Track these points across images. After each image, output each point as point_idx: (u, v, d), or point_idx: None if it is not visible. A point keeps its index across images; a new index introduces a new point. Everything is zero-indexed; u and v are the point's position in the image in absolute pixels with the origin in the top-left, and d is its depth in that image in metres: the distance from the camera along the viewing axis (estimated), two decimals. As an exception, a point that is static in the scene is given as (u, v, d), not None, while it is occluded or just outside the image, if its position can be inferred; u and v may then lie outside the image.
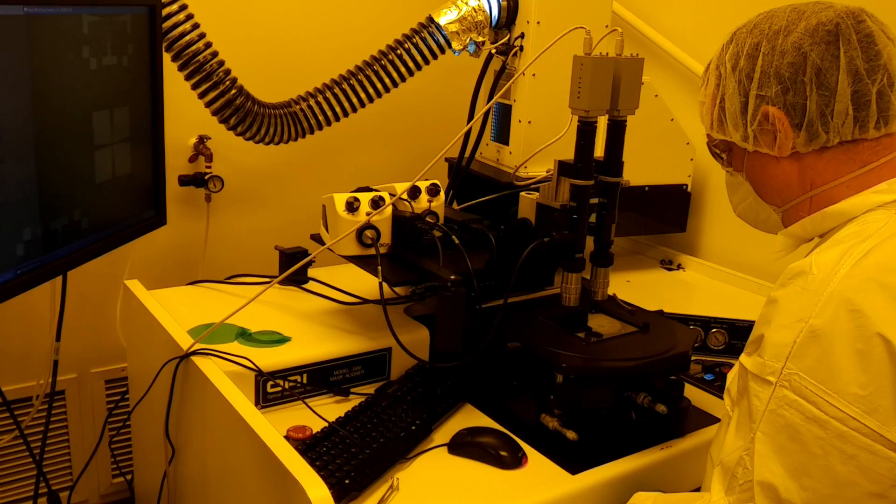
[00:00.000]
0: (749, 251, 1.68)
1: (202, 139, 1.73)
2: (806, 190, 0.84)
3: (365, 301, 1.34)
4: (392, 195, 1.23)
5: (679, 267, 1.74)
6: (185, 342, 1.12)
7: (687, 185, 1.70)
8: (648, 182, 1.66)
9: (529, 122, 1.46)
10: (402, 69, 1.47)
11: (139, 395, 1.37)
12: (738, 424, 0.78)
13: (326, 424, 1.04)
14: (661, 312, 1.25)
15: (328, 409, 1.11)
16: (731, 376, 0.87)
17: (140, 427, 1.41)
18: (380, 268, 1.12)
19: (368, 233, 1.17)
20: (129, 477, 1.58)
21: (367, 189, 1.25)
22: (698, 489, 1.09)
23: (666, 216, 1.71)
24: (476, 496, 0.94)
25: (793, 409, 0.71)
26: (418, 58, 1.47)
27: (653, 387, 1.10)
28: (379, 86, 1.48)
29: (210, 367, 1.04)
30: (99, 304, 1.71)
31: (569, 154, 1.16)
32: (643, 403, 1.07)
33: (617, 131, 1.17)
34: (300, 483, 0.77)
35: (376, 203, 1.18)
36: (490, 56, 1.49)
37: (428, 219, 1.23)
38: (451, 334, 1.07)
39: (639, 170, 1.59)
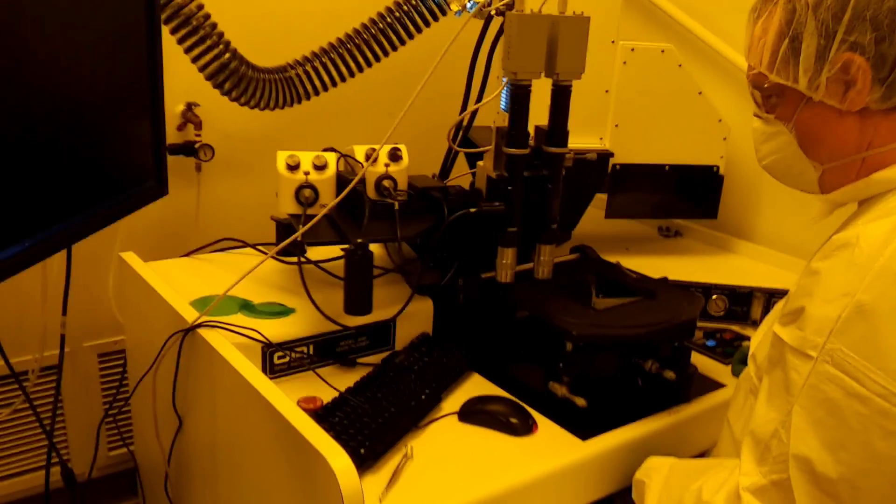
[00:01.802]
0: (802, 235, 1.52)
1: (190, 106, 1.68)
2: (861, 150, 0.79)
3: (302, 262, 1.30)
4: (346, 157, 1.22)
5: (677, 234, 1.74)
6: (188, 315, 1.10)
7: (718, 167, 1.52)
8: (671, 161, 1.50)
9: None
10: (402, 32, 1.44)
11: (139, 369, 1.35)
12: (770, 395, 0.77)
13: (336, 395, 1.04)
14: (665, 280, 1.26)
15: (334, 380, 1.10)
16: (756, 343, 0.87)
17: (140, 400, 1.39)
18: (301, 227, 1.12)
19: (306, 192, 1.17)
20: (132, 447, 1.57)
21: (331, 150, 1.25)
22: (703, 453, 1.11)
23: (694, 200, 1.55)
24: (489, 463, 0.94)
25: (833, 385, 0.70)
26: (418, 20, 1.43)
27: (658, 353, 1.11)
28: (378, 50, 1.44)
29: (218, 340, 1.03)
30: (89, 276, 1.68)
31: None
32: (651, 370, 1.07)
33: (560, 98, 1.10)
34: (322, 454, 0.77)
35: (317, 163, 1.17)
36: (490, 18, 1.45)
37: (385, 183, 1.22)
38: (358, 297, 1.07)
39: (660, 147, 1.48)
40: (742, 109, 1.56)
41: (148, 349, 1.22)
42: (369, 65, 1.47)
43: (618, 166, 1.46)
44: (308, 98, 1.48)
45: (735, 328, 1.37)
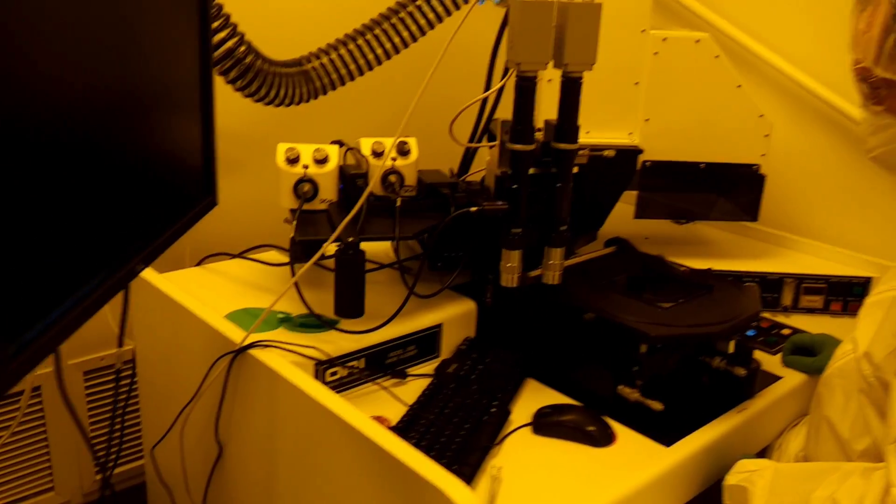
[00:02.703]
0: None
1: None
2: None
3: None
4: (352, 150, 1.17)
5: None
6: (232, 334, 1.01)
7: (759, 166, 1.40)
8: (706, 159, 1.39)
9: (549, 81, 1.38)
10: (422, 21, 1.36)
11: (157, 390, 1.24)
12: None
13: (400, 413, 0.98)
14: (710, 272, 1.24)
15: (385, 394, 1.04)
16: (867, 340, 0.85)
17: (158, 423, 1.28)
18: (295, 223, 1.08)
19: (304, 186, 1.13)
20: (139, 465, 1.46)
21: (338, 143, 1.20)
22: (766, 448, 1.10)
23: (733, 200, 1.44)
24: (582, 479, 0.90)
25: None
26: (439, 8, 1.36)
27: (718, 349, 1.09)
28: (397, 40, 1.36)
29: (277, 361, 0.94)
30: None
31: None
32: (719, 367, 1.06)
33: (570, 90, 1.04)
34: (442, 490, 0.71)
35: (317, 156, 1.14)
36: (511, 6, 1.39)
37: (391, 178, 1.17)
38: (349, 299, 1.02)
39: (694, 143, 1.39)
40: (781, 109, 1.51)
41: (175, 370, 1.12)
42: (388, 56, 1.39)
43: (648, 163, 1.40)
44: (325, 92, 1.39)
45: (767, 315, 1.38)
